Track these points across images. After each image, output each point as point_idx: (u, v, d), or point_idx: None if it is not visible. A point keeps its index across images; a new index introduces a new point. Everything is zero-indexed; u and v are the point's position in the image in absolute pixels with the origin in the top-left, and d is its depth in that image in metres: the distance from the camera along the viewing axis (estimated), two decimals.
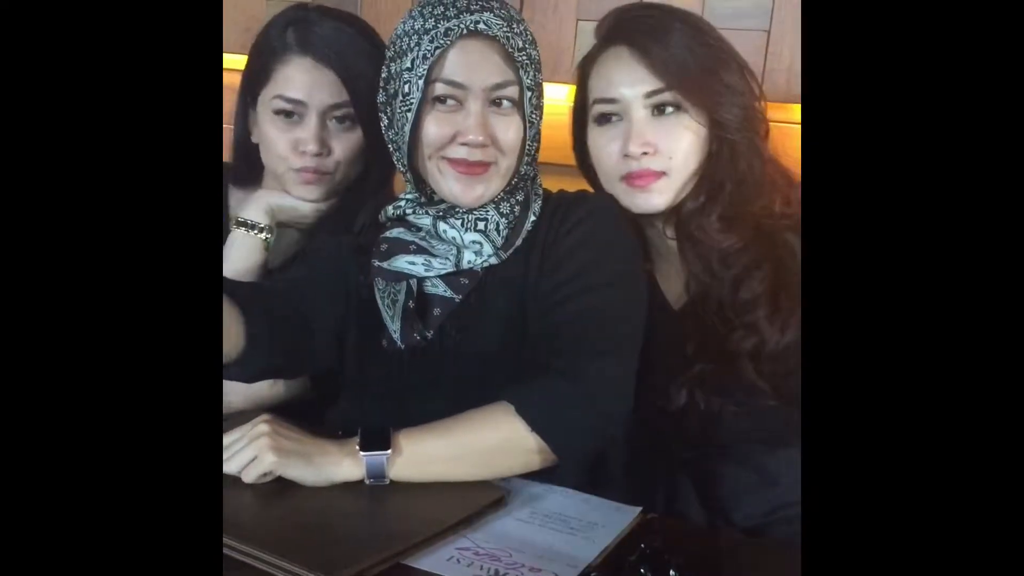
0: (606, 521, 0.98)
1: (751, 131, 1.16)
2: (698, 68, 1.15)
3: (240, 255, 1.29)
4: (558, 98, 1.44)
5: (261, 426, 0.99)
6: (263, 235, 1.29)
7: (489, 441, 1.01)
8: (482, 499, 0.98)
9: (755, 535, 1.14)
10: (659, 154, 1.16)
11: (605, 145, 1.20)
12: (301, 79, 1.26)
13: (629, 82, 1.17)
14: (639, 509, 1.01)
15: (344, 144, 1.29)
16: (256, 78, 1.30)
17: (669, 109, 1.16)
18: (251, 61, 1.32)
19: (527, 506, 1.00)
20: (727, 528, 1.14)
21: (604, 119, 1.20)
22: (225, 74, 1.44)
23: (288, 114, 1.27)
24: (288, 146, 1.27)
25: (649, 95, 1.16)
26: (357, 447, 0.98)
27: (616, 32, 1.19)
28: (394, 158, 1.15)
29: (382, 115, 1.14)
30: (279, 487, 0.97)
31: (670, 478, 1.19)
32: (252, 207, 1.30)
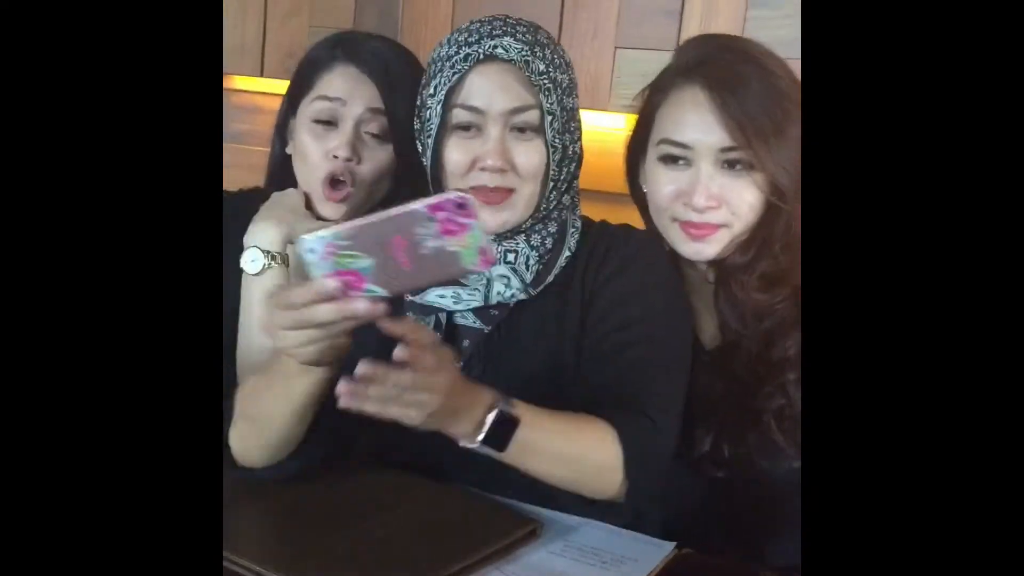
0: (640, 556, 0.97)
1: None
2: (771, 129, 1.12)
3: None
4: (595, 125, 1.44)
5: (442, 377, 0.86)
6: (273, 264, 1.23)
7: (591, 459, 0.98)
8: (515, 530, 0.97)
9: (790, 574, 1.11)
10: (722, 208, 1.14)
11: (665, 185, 1.17)
12: (343, 83, 1.28)
13: (703, 131, 1.14)
14: (673, 544, 1.00)
15: (374, 159, 1.29)
16: (299, 88, 1.33)
17: (739, 166, 1.14)
18: (296, 74, 1.35)
19: (560, 539, 0.99)
20: (761, 567, 1.12)
21: (670, 160, 1.17)
22: (265, 98, 1.47)
23: (326, 123, 1.28)
24: (321, 154, 1.28)
25: (723, 151, 1.13)
26: (489, 418, 0.92)
27: (695, 70, 1.16)
28: (430, 186, 1.15)
29: (417, 142, 1.14)
30: (312, 512, 0.97)
31: (702, 514, 1.17)
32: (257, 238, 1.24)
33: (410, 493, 1.04)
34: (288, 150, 1.35)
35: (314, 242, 0.82)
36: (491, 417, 0.91)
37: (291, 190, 1.31)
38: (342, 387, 0.83)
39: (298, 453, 1.02)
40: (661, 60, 1.23)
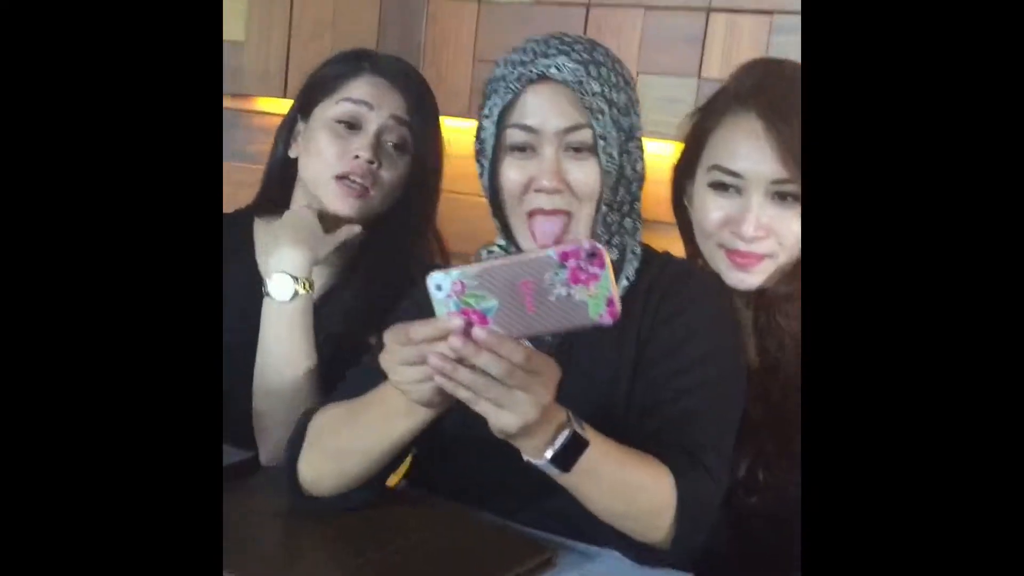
0: None
1: None
2: None
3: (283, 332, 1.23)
4: None
5: (544, 382, 0.84)
6: (302, 289, 1.23)
7: (646, 498, 0.95)
8: (530, 559, 0.95)
9: None
10: (770, 239, 1.14)
11: (713, 211, 1.16)
12: (370, 89, 1.30)
13: (757, 161, 1.13)
14: (691, 575, 0.98)
15: (393, 168, 1.30)
16: (316, 93, 1.33)
17: (790, 198, 1.13)
18: (314, 80, 1.35)
19: (576, 568, 0.98)
20: None
21: (720, 186, 1.16)
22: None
23: (348, 125, 1.28)
24: (338, 152, 1.27)
25: (775, 182, 1.12)
26: (561, 437, 0.89)
27: (751, 97, 1.15)
28: (490, 208, 1.13)
29: (477, 164, 1.13)
30: (327, 537, 0.96)
31: (720, 544, 1.16)
32: (282, 263, 1.23)
33: (426, 519, 1.04)
34: (292, 153, 1.35)
35: (442, 279, 0.82)
36: (563, 436, 0.89)
37: (303, 209, 1.29)
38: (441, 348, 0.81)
39: (368, 484, 1.02)
40: (684, 86, 1.23)
